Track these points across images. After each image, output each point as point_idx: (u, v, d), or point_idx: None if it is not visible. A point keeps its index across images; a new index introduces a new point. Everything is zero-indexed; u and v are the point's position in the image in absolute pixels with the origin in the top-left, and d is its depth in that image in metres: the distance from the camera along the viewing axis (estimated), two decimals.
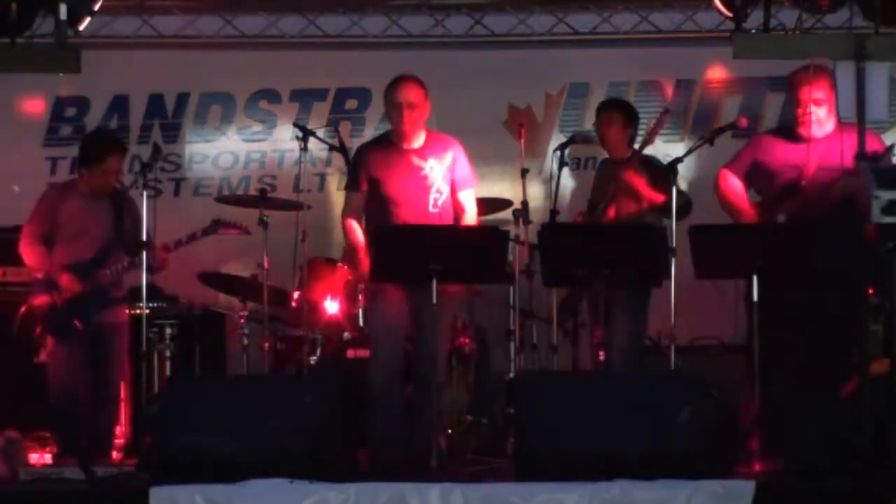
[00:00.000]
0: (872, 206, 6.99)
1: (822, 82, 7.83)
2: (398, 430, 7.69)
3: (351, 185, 7.99)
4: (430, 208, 7.77)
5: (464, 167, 7.89)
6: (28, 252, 8.46)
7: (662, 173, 8.05)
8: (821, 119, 7.89)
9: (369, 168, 7.82)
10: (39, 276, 8.47)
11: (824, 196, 7.74)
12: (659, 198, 8.04)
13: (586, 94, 10.50)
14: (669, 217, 7.77)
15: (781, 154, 8.01)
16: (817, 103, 7.88)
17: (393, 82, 7.92)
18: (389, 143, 7.89)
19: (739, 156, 8.17)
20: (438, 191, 7.78)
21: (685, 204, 8.06)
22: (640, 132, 8.49)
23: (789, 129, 8.12)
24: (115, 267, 8.40)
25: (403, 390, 7.86)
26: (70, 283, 8.27)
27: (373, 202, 7.84)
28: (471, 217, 7.94)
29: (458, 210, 7.91)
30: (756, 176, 8.11)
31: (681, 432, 6.85)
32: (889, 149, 7.72)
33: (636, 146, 8.40)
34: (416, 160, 7.76)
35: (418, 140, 7.82)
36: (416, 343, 7.76)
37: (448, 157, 7.82)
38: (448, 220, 7.86)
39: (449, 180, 7.82)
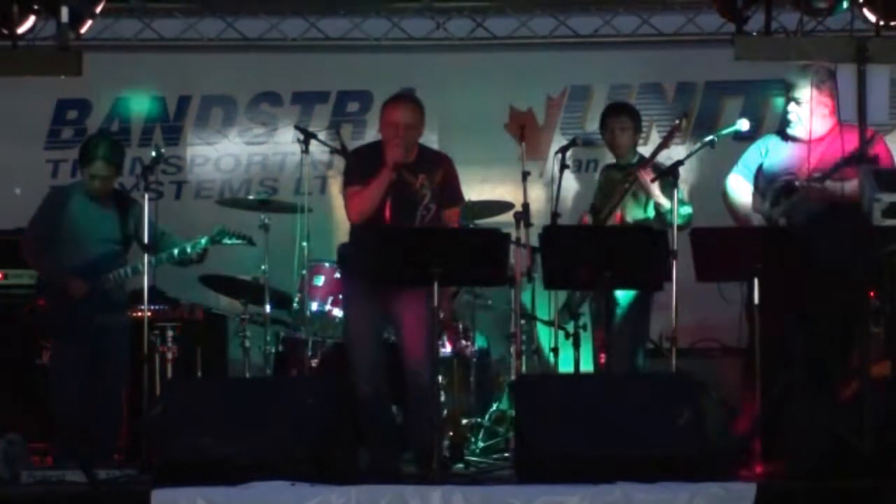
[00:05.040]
0: (873, 209, 7.01)
1: (818, 82, 7.83)
2: (394, 433, 7.70)
3: (352, 181, 7.89)
4: (417, 224, 7.72)
5: (453, 185, 7.86)
6: (30, 254, 8.47)
7: (666, 178, 8.06)
8: (807, 119, 7.89)
9: (366, 173, 7.77)
10: (42, 278, 8.48)
11: (819, 197, 7.75)
12: (665, 202, 8.04)
13: (588, 97, 10.51)
14: (670, 225, 7.78)
15: (783, 155, 8.02)
16: (808, 103, 7.88)
17: (391, 101, 7.84)
18: (383, 154, 7.74)
19: (746, 159, 8.19)
20: (427, 208, 7.74)
21: (685, 217, 8.07)
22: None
23: (787, 131, 8.15)
24: (118, 270, 8.40)
25: (397, 392, 7.86)
26: (78, 287, 8.26)
27: None
28: None
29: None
30: (763, 178, 8.12)
31: (682, 435, 6.86)
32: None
33: (648, 153, 8.41)
34: (406, 175, 7.69)
35: (410, 155, 7.78)
36: (405, 347, 7.74)
37: (438, 174, 7.78)
38: None
39: (438, 198, 7.77)
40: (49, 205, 8.55)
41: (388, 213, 7.65)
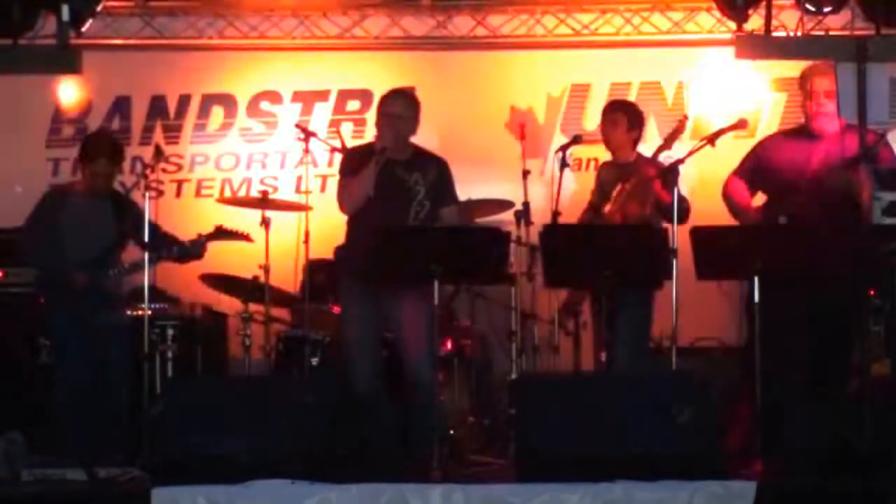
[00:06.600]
0: (874, 208, 7.02)
1: (833, 76, 7.82)
2: (394, 433, 7.70)
3: (344, 175, 7.87)
4: (411, 220, 7.73)
5: (447, 186, 7.84)
6: (29, 254, 8.47)
7: (665, 175, 8.07)
8: (832, 113, 7.89)
9: (359, 167, 7.77)
10: (41, 276, 8.48)
11: (823, 193, 7.75)
12: (667, 197, 8.03)
13: (588, 96, 10.50)
14: (671, 220, 7.78)
15: (787, 153, 8.02)
16: (829, 96, 7.87)
17: (385, 94, 7.88)
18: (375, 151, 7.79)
19: (743, 160, 8.19)
20: (421, 204, 7.74)
21: (684, 210, 8.08)
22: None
23: (798, 127, 8.14)
24: (116, 268, 8.40)
25: (397, 392, 7.86)
26: (80, 280, 8.27)
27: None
28: None
29: None
30: (761, 178, 8.12)
31: (682, 433, 6.86)
32: (882, 136, 7.73)
33: (647, 152, 8.41)
34: (400, 172, 7.71)
35: (405, 153, 7.78)
36: (405, 346, 7.74)
37: (432, 173, 7.78)
38: None
39: (432, 197, 7.77)
40: (46, 204, 8.56)
41: (380, 208, 7.63)
